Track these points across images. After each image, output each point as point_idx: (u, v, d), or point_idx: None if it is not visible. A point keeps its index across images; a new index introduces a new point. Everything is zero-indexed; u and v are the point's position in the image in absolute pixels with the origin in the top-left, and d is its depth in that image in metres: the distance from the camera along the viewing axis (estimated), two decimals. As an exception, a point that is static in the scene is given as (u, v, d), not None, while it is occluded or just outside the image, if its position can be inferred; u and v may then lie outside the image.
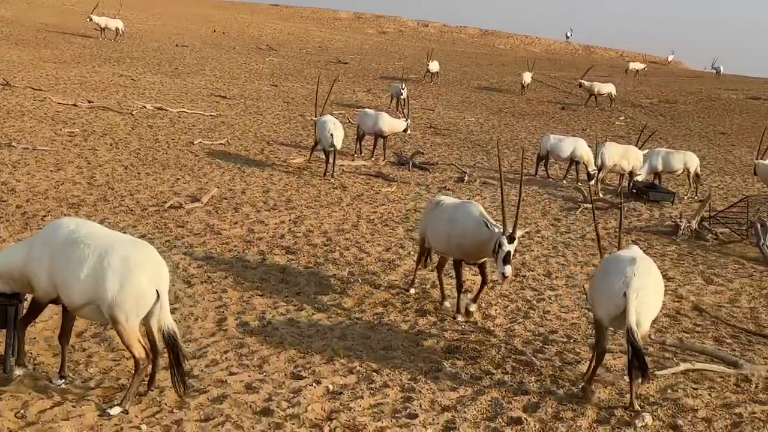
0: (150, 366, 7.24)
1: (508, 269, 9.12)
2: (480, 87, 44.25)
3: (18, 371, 7.46)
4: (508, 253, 9.11)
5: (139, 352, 6.98)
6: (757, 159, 18.44)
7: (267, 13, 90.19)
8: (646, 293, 7.54)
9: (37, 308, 7.43)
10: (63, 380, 7.45)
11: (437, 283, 10.99)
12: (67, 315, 7.43)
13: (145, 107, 25.45)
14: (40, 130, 20.03)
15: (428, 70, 42.96)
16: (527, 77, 42.49)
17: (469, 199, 17.47)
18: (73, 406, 6.97)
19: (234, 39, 58.24)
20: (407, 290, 11.05)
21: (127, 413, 6.95)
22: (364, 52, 57.52)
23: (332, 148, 18.00)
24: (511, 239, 9.12)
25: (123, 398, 7.04)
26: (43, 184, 14.95)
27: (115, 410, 6.92)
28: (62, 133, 19.91)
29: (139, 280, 6.85)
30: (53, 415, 6.85)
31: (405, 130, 21.58)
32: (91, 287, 6.86)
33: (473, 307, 10.09)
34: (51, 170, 16.05)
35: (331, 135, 17.77)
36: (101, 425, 6.75)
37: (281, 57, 49.09)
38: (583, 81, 39.31)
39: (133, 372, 7.20)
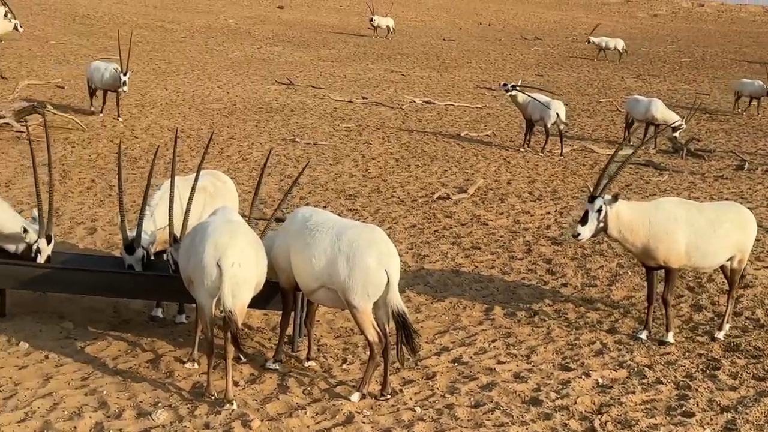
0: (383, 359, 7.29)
1: (579, 228, 8.61)
2: (763, 66, 41.00)
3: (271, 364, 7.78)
4: (586, 212, 8.56)
5: (373, 336, 7.13)
6: None
7: (532, 2, 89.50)
8: None
9: (286, 297, 7.76)
10: (311, 361, 7.90)
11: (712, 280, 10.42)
12: (311, 301, 7.82)
13: (414, 101, 26.32)
14: (320, 126, 21.40)
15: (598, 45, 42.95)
16: None
17: (749, 188, 16.35)
18: (354, 386, 7.42)
19: (499, 30, 58.50)
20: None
21: (365, 397, 7.17)
22: (632, 37, 55.26)
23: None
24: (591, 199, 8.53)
25: (360, 384, 7.27)
26: (323, 177, 15.98)
27: (355, 397, 7.17)
28: (339, 128, 21.14)
29: (368, 262, 6.99)
30: (336, 393, 7.35)
31: (676, 130, 19.98)
32: (324, 271, 7.12)
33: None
34: (330, 164, 17.10)
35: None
36: (380, 405, 7.14)
37: (546, 46, 48.60)
38: None
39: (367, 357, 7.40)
